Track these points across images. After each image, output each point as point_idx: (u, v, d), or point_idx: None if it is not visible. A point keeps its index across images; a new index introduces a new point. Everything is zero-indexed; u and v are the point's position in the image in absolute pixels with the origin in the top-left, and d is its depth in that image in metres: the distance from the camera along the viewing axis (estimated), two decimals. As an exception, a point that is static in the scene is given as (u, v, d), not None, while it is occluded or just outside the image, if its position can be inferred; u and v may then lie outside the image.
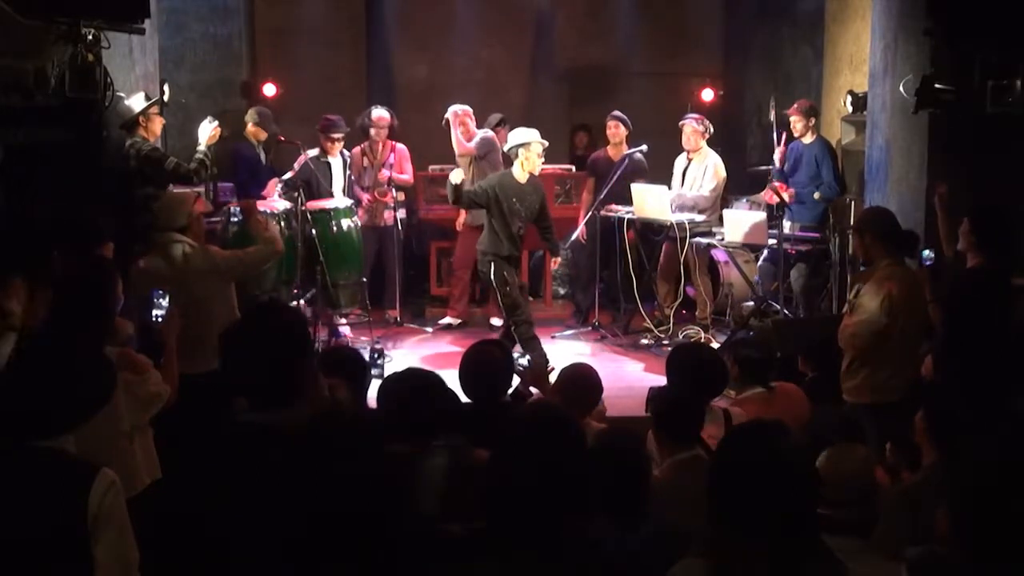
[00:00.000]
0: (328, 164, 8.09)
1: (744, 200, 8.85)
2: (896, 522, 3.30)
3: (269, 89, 9.35)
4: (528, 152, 6.98)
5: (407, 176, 8.47)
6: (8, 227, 5.18)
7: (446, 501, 3.15)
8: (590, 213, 8.21)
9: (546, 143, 7.17)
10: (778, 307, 7.51)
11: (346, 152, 8.24)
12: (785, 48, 10.06)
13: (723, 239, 7.71)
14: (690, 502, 2.79)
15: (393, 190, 8.26)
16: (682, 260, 7.84)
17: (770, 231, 7.35)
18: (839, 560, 2.21)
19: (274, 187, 7.64)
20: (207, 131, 6.63)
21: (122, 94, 6.07)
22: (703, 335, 7.78)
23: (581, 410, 4.14)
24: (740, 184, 9.27)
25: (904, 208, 6.33)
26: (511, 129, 7.55)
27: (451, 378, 4.16)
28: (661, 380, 5.45)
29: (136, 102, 6.33)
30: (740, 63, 10.90)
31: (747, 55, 10.79)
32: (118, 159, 6.28)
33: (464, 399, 4.06)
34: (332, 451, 2.55)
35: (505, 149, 7.16)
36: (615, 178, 7.96)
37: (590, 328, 8.27)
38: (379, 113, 8.35)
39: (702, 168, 8.10)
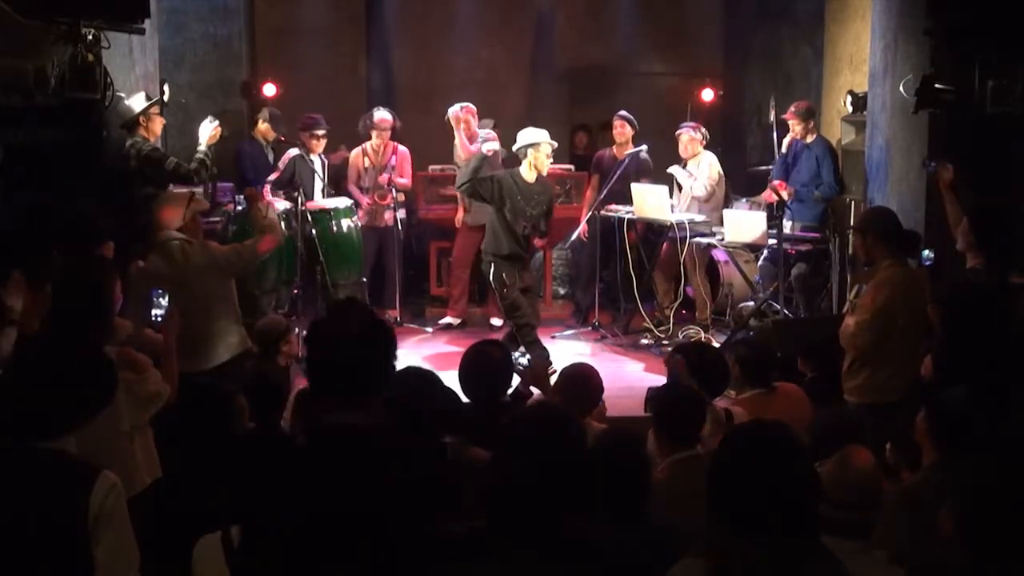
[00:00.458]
0: (311, 163, 8.00)
1: (744, 200, 8.85)
2: (896, 522, 3.30)
3: (269, 89, 9.34)
4: (537, 152, 6.99)
5: (406, 180, 8.44)
6: (8, 226, 5.18)
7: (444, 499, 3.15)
8: (591, 212, 8.21)
9: (555, 144, 7.19)
10: (778, 307, 7.51)
11: (323, 156, 8.17)
12: (785, 48, 10.06)
13: (723, 239, 7.71)
14: (690, 502, 2.79)
15: (393, 192, 8.26)
16: (682, 260, 7.84)
17: (770, 231, 7.36)
18: (839, 560, 2.21)
19: (267, 190, 7.64)
20: (207, 131, 6.63)
21: (122, 94, 6.08)
22: (703, 335, 7.78)
23: (581, 410, 4.14)
24: (740, 184, 9.27)
25: (904, 208, 6.32)
26: (498, 130, 7.55)
27: (451, 378, 4.16)
28: (661, 380, 5.45)
29: (136, 102, 6.34)
30: (740, 63, 10.90)
31: (747, 55, 10.79)
32: (118, 159, 6.29)
33: (464, 399, 4.05)
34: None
35: (514, 148, 7.16)
36: (615, 177, 7.97)
37: (590, 328, 8.27)
38: (381, 115, 8.34)
39: (696, 166, 8.15)
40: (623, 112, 8.60)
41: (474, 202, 8.14)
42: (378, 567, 2.30)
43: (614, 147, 8.61)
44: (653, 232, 8.41)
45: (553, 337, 7.93)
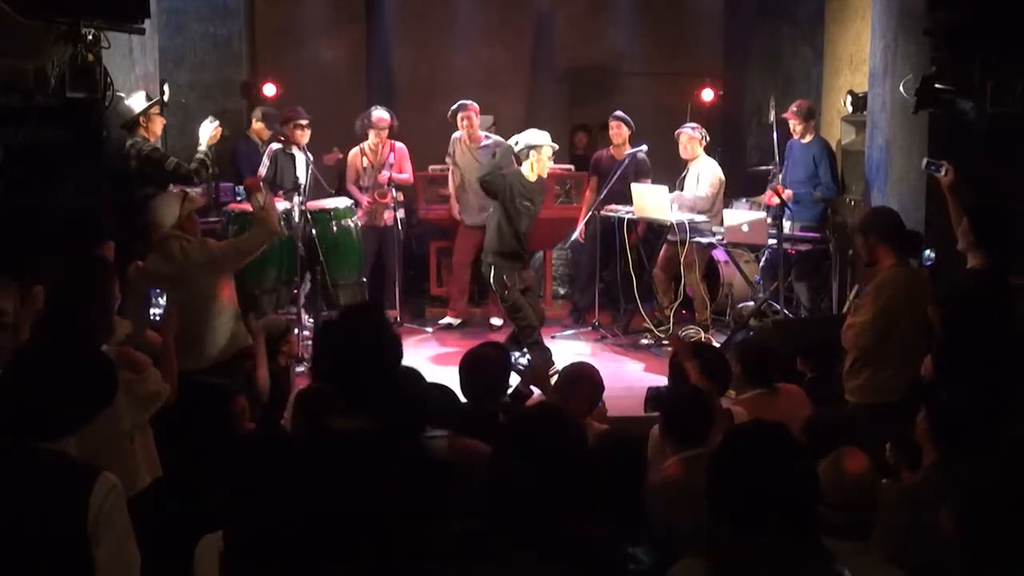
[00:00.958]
0: (293, 157, 7.72)
1: (744, 200, 8.85)
2: (896, 522, 3.30)
3: (269, 89, 9.33)
4: (539, 154, 7.02)
5: (407, 175, 8.45)
6: (7, 226, 5.18)
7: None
8: (590, 213, 8.22)
9: (556, 146, 7.20)
10: (778, 307, 7.51)
11: (308, 153, 7.80)
12: (785, 48, 10.06)
13: (723, 239, 7.71)
14: (698, 500, 2.78)
15: (393, 190, 8.26)
16: (682, 260, 7.84)
17: (770, 231, 7.35)
18: (839, 561, 2.21)
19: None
20: (208, 131, 6.63)
21: (122, 94, 6.08)
22: (703, 335, 7.78)
23: (581, 410, 4.14)
24: (740, 184, 9.26)
25: (905, 208, 6.31)
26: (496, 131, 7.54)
27: (451, 378, 4.17)
28: (661, 380, 5.46)
29: (136, 102, 6.33)
30: (740, 63, 10.89)
31: (747, 55, 10.78)
32: (118, 159, 6.29)
33: (463, 399, 4.06)
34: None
35: (516, 149, 7.17)
36: (615, 178, 7.97)
37: (590, 328, 8.28)
38: (379, 114, 8.33)
39: (696, 172, 8.12)
40: (619, 113, 8.60)
41: (470, 202, 8.17)
42: (378, 567, 2.30)
43: (611, 148, 8.61)
44: (653, 232, 8.40)
45: (553, 337, 7.93)
